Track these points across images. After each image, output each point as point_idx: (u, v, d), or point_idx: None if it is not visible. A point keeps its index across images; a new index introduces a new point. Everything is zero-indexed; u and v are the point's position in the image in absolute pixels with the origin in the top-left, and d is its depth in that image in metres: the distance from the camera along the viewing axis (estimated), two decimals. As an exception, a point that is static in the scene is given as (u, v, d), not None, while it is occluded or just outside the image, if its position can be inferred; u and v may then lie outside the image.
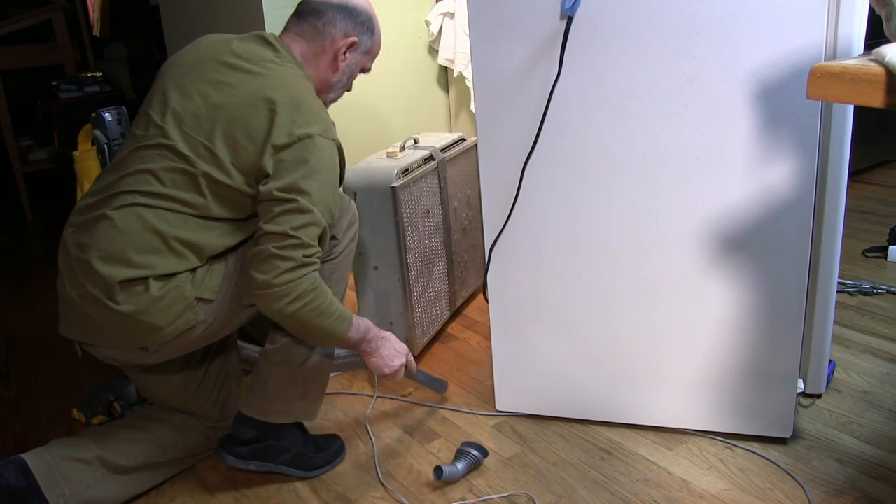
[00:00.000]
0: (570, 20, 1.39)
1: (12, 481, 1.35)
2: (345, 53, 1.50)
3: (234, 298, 1.41)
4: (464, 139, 2.31)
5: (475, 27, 1.48)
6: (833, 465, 1.48)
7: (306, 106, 1.36)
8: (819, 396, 1.69)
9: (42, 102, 4.16)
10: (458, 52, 2.66)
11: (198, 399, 1.59)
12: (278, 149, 1.32)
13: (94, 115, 1.73)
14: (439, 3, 2.71)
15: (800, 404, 1.66)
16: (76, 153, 1.78)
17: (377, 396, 1.86)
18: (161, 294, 1.31)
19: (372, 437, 1.69)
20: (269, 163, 1.32)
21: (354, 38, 1.51)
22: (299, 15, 1.50)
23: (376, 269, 1.97)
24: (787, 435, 1.54)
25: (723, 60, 1.34)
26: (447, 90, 2.93)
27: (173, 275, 1.32)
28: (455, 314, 2.27)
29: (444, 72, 2.89)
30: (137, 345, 1.36)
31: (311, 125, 1.34)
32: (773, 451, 1.53)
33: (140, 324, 1.31)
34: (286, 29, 1.51)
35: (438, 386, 1.79)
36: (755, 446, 1.55)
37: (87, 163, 1.76)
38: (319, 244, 1.34)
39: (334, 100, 1.58)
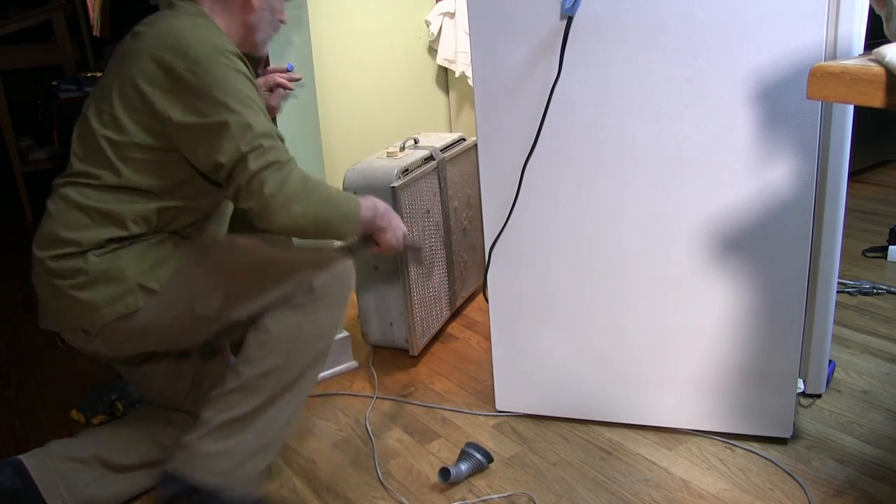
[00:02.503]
0: (570, 20, 1.39)
1: (7, 483, 1.35)
2: (244, 12, 1.41)
3: (184, 301, 1.35)
4: (464, 139, 2.31)
5: (475, 27, 1.48)
6: (833, 465, 1.48)
7: (185, 36, 1.28)
8: (819, 396, 1.69)
9: (42, 102, 4.16)
10: (458, 52, 2.66)
11: (192, 399, 1.58)
12: (174, 83, 1.27)
13: None
14: (439, 3, 2.71)
15: (800, 404, 1.66)
16: None
17: (377, 397, 1.86)
18: (99, 267, 1.30)
19: (372, 437, 1.69)
20: (171, 104, 1.27)
21: None
22: None
23: (376, 269, 1.97)
24: (787, 435, 1.54)
25: (723, 60, 1.34)
26: (447, 90, 2.93)
27: (108, 244, 1.32)
28: (455, 314, 2.27)
29: (444, 72, 2.89)
30: (79, 326, 1.34)
31: (195, 49, 1.27)
32: (773, 451, 1.53)
33: (77, 301, 1.30)
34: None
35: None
36: (755, 446, 1.55)
37: None
38: (282, 139, 1.30)
39: (267, 37, 1.48)
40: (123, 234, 1.33)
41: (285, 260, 1.41)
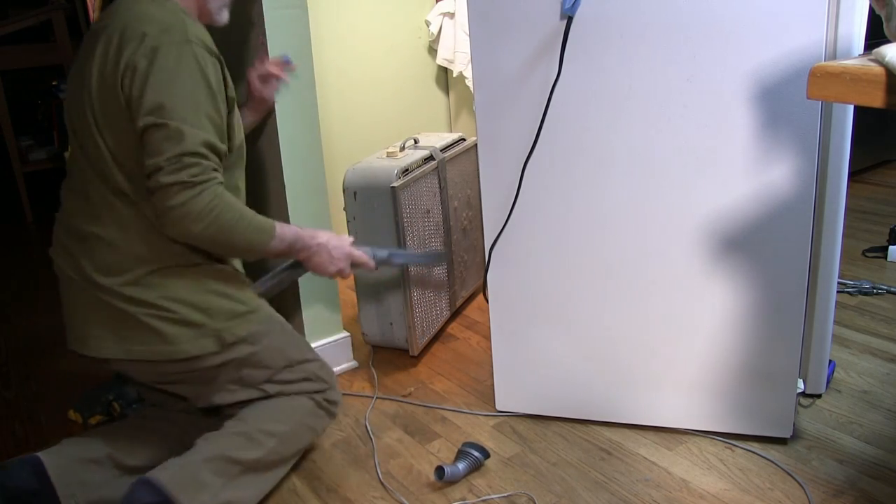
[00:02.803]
0: (570, 20, 1.39)
1: (25, 484, 1.33)
2: None
3: (240, 362, 1.44)
4: (464, 139, 2.31)
5: (475, 27, 1.48)
6: (833, 465, 1.48)
7: (139, 20, 1.27)
8: (819, 396, 1.69)
9: (42, 102, 4.16)
10: (458, 51, 2.66)
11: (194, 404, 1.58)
12: (125, 74, 1.25)
13: None
14: (439, 3, 2.71)
15: (800, 404, 1.66)
16: None
17: (377, 397, 1.86)
18: (188, 300, 1.38)
19: (372, 437, 1.69)
20: (122, 90, 1.26)
21: None
22: None
23: (376, 269, 1.97)
24: (787, 435, 1.54)
25: (723, 60, 1.34)
26: (447, 90, 2.93)
27: (177, 269, 1.39)
28: (455, 314, 2.27)
29: (444, 72, 2.89)
30: (145, 356, 1.36)
31: (148, 34, 1.25)
32: (773, 451, 1.53)
33: (154, 331, 1.35)
34: None
35: (432, 258, 1.57)
36: (755, 446, 1.55)
37: None
38: (208, 158, 1.28)
39: (222, 5, 1.45)
40: (185, 261, 1.36)
41: (307, 349, 1.56)
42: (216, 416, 1.60)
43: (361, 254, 1.56)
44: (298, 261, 1.51)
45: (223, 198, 1.30)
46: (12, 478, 1.33)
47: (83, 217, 1.35)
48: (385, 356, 2.06)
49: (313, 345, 1.90)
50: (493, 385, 1.74)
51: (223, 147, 1.32)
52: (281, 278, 1.59)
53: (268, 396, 1.49)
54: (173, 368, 1.38)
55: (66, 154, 1.74)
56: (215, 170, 1.30)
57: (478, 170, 1.59)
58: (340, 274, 1.53)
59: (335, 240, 1.51)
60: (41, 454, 1.38)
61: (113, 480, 1.44)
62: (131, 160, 1.30)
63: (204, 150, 1.27)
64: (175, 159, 1.24)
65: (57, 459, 1.39)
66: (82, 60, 1.34)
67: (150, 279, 1.34)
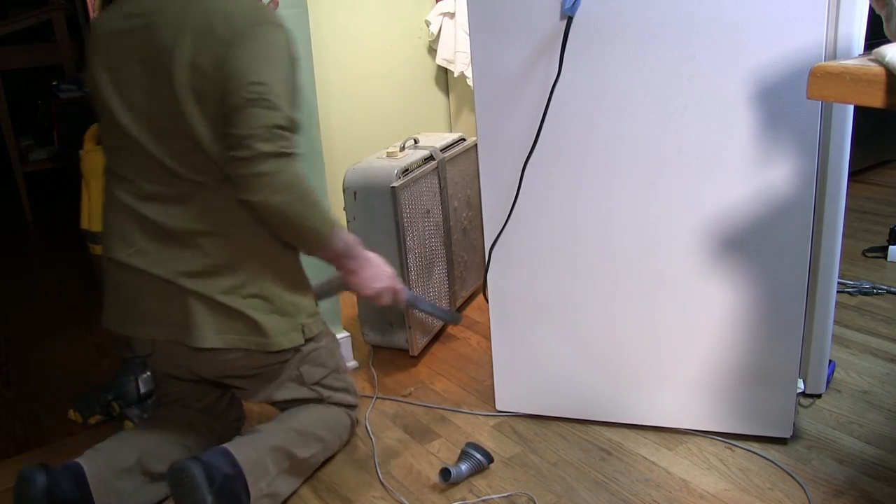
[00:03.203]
0: (570, 20, 1.39)
1: (69, 494, 1.32)
2: None
3: (305, 359, 1.52)
4: (464, 139, 2.31)
5: (475, 27, 1.48)
6: (833, 465, 1.48)
7: (224, 6, 1.29)
8: (819, 396, 1.69)
9: (42, 102, 4.16)
10: (458, 51, 2.66)
11: (210, 404, 1.58)
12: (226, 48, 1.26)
13: None
14: (439, 3, 2.71)
15: (800, 404, 1.66)
16: (82, 152, 1.77)
17: (377, 397, 1.86)
18: (285, 297, 1.44)
19: (372, 437, 1.69)
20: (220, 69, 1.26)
21: None
22: None
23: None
24: (787, 435, 1.54)
25: (723, 60, 1.34)
26: (447, 90, 2.93)
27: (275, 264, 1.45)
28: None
29: (444, 72, 2.89)
30: (238, 344, 1.38)
31: (241, 17, 1.28)
32: (773, 451, 1.53)
33: (253, 322, 1.39)
34: None
35: (450, 317, 1.61)
36: (755, 446, 1.55)
37: (97, 161, 1.75)
38: (295, 134, 1.31)
39: None
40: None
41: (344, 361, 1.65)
42: (232, 418, 1.62)
43: (400, 286, 1.57)
44: (339, 279, 1.52)
45: (305, 177, 1.33)
46: (59, 486, 1.31)
47: (171, 216, 1.34)
48: (385, 356, 2.06)
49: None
50: (493, 385, 1.74)
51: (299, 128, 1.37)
52: (331, 286, 1.62)
53: (315, 400, 1.55)
54: (258, 361, 1.42)
55: (84, 151, 1.75)
56: (295, 147, 1.33)
57: (478, 170, 1.59)
58: (379, 295, 1.52)
59: (382, 261, 1.53)
60: (82, 462, 1.36)
61: (141, 488, 1.43)
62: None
63: (293, 126, 1.31)
64: (270, 129, 1.26)
65: (95, 468, 1.37)
66: (141, 58, 1.31)
67: (249, 270, 1.37)
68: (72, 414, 1.84)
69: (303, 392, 1.53)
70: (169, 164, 1.33)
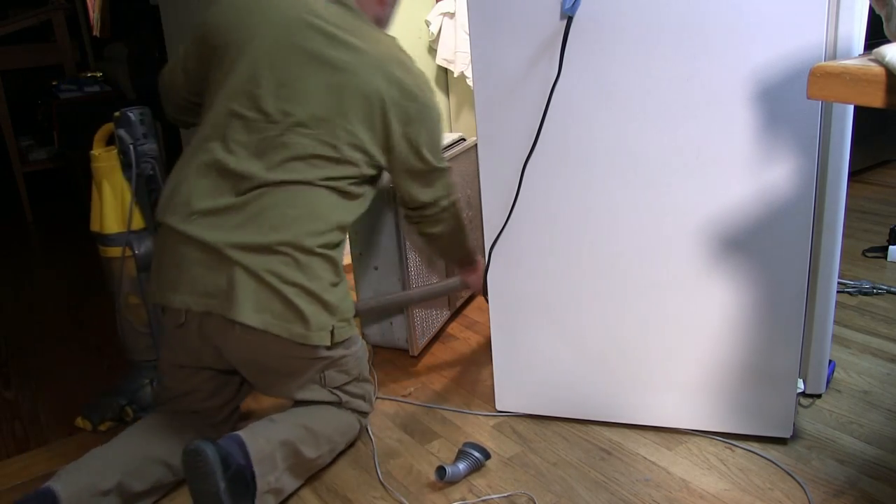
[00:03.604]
0: (570, 20, 1.39)
1: None
2: None
3: (332, 363, 1.54)
4: (464, 139, 2.31)
5: (475, 27, 1.48)
6: (833, 465, 1.48)
7: (408, 73, 1.52)
8: (819, 396, 1.69)
9: (42, 102, 4.16)
10: (458, 51, 2.66)
11: (212, 403, 1.56)
12: (401, 124, 1.50)
13: (117, 114, 1.71)
14: (439, 3, 2.71)
15: (800, 404, 1.66)
16: (95, 153, 1.76)
17: (377, 397, 1.86)
18: (338, 292, 1.52)
19: (372, 437, 1.69)
20: (394, 138, 1.51)
21: None
22: None
23: (376, 269, 1.97)
24: (787, 435, 1.54)
25: (723, 60, 1.34)
26: (447, 90, 2.93)
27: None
28: (455, 314, 2.27)
29: (444, 72, 2.89)
30: (294, 330, 1.42)
31: (419, 88, 1.53)
32: (773, 451, 1.53)
33: (324, 302, 1.46)
34: None
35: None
36: (755, 446, 1.55)
37: (109, 163, 1.73)
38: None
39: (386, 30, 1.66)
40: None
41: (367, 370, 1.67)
42: (225, 431, 1.57)
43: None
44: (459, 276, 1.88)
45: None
46: None
47: (257, 197, 1.42)
48: (385, 356, 2.06)
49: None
50: (493, 385, 1.74)
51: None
52: (432, 292, 1.95)
53: (332, 403, 1.56)
54: (289, 350, 1.43)
55: (97, 152, 1.75)
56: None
57: (478, 170, 1.59)
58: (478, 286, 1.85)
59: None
60: (57, 486, 1.31)
61: None
62: (350, 147, 1.46)
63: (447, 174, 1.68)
64: (447, 187, 1.66)
65: (70, 491, 1.32)
66: (320, 60, 1.45)
67: (308, 259, 1.42)
68: (80, 422, 1.81)
69: (323, 395, 1.54)
70: (293, 152, 1.43)
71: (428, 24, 2.74)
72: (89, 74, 4.14)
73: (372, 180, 1.57)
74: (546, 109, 1.46)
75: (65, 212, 3.96)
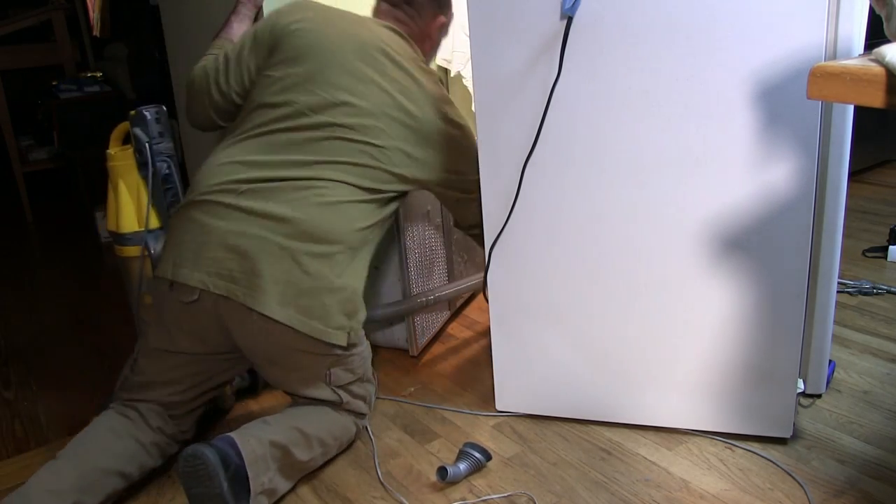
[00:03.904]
0: (570, 20, 1.39)
1: None
2: (437, 32, 1.73)
3: (340, 362, 1.55)
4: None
5: (475, 27, 1.48)
6: (833, 465, 1.48)
7: (452, 108, 1.64)
8: (819, 396, 1.69)
9: (42, 102, 4.16)
10: (455, 51, 2.65)
11: (185, 394, 1.53)
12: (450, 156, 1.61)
13: (133, 113, 1.71)
14: (439, 3, 2.70)
15: (800, 404, 1.66)
16: (110, 152, 1.75)
17: (377, 397, 1.86)
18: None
19: (372, 437, 1.69)
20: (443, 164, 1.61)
21: (443, 18, 1.73)
22: (391, 3, 1.68)
23: (376, 268, 1.97)
24: (787, 435, 1.54)
25: (723, 60, 1.34)
26: (447, 90, 2.92)
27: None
28: (455, 314, 2.27)
29: (444, 72, 2.88)
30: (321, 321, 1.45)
31: (461, 120, 1.64)
32: (773, 451, 1.53)
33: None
34: (381, 12, 1.69)
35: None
36: (755, 446, 1.55)
37: (125, 162, 1.72)
38: None
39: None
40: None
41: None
42: (184, 427, 1.56)
43: None
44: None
45: None
46: None
47: (297, 199, 1.45)
48: (385, 356, 2.06)
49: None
50: (493, 385, 1.74)
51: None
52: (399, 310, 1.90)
53: (332, 403, 1.56)
54: (303, 344, 1.44)
55: (113, 151, 1.75)
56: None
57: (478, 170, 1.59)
58: None
59: None
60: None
61: None
62: (392, 163, 1.54)
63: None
64: (478, 213, 1.69)
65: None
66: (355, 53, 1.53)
67: (338, 257, 1.46)
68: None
69: (326, 393, 1.54)
70: (332, 156, 1.49)
71: (428, 24, 2.73)
72: (89, 74, 4.14)
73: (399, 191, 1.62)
74: (546, 109, 1.46)
75: (65, 212, 3.96)
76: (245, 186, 1.45)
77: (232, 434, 1.38)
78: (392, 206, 1.60)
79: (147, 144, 1.69)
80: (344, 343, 1.48)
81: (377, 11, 1.71)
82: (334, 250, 1.46)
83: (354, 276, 1.50)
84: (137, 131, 1.69)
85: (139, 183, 1.73)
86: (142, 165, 1.72)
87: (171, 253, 1.47)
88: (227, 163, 1.49)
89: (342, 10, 1.64)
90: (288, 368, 1.51)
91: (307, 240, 1.43)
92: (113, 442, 1.47)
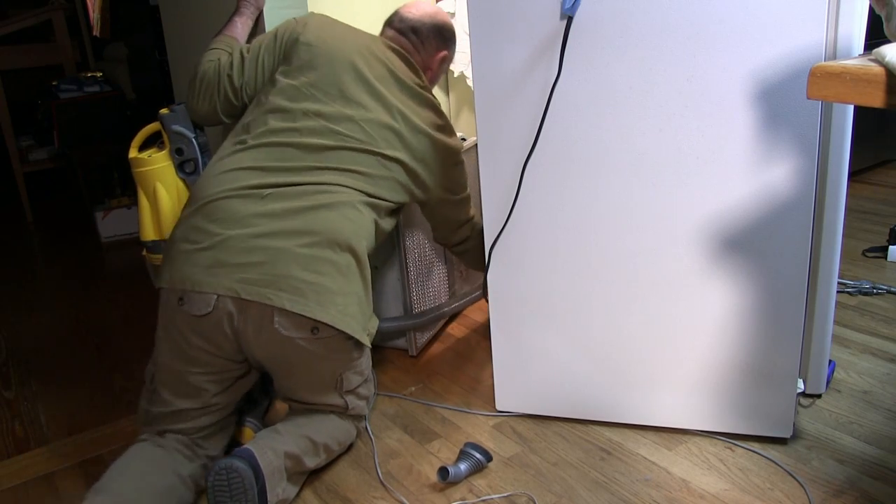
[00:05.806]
0: (570, 20, 1.39)
1: None
2: (438, 65, 1.79)
3: (353, 361, 1.56)
4: (464, 139, 2.31)
5: (475, 27, 1.48)
6: (833, 465, 1.48)
7: (448, 129, 1.71)
8: (819, 396, 1.70)
9: (42, 102, 4.16)
10: (458, 51, 2.66)
11: (212, 399, 1.50)
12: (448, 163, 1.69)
13: (164, 111, 1.63)
14: (439, 3, 2.70)
15: (800, 404, 1.66)
16: (143, 156, 1.63)
17: (377, 394, 1.86)
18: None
19: (372, 437, 1.69)
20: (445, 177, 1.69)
21: (445, 53, 1.80)
22: (399, 30, 1.75)
23: (376, 268, 1.97)
24: (787, 435, 1.54)
25: (723, 60, 1.34)
26: (447, 90, 2.92)
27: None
28: (455, 314, 2.27)
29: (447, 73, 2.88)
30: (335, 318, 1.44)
31: (455, 138, 1.72)
32: (773, 451, 1.53)
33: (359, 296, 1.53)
34: (388, 37, 1.75)
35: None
36: (755, 446, 1.55)
37: (161, 163, 1.63)
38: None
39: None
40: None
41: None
42: (207, 438, 1.53)
43: None
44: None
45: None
46: None
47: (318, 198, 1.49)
48: (385, 356, 2.06)
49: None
50: (493, 385, 1.74)
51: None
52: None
53: (338, 410, 1.56)
54: (325, 344, 1.45)
55: (147, 154, 1.69)
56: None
57: (478, 170, 1.59)
58: None
59: None
60: None
61: None
62: (411, 177, 1.62)
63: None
64: (468, 219, 1.85)
65: None
66: (368, 70, 1.61)
67: (355, 264, 1.48)
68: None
69: (335, 400, 1.54)
70: (357, 159, 1.55)
71: (428, 24, 2.73)
72: (89, 74, 4.13)
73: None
74: (546, 109, 1.46)
75: (65, 212, 3.96)
76: (268, 191, 1.47)
77: (249, 446, 1.37)
78: (394, 218, 1.66)
79: (193, 139, 1.64)
80: (369, 345, 1.53)
81: (384, 36, 1.77)
82: (348, 257, 1.47)
83: (365, 281, 1.52)
84: (179, 128, 1.63)
85: (178, 184, 1.65)
86: (181, 165, 1.64)
87: (180, 263, 1.42)
88: (239, 168, 1.50)
89: (354, 27, 1.71)
90: (301, 375, 1.51)
91: (325, 246, 1.45)
92: (155, 479, 1.41)
